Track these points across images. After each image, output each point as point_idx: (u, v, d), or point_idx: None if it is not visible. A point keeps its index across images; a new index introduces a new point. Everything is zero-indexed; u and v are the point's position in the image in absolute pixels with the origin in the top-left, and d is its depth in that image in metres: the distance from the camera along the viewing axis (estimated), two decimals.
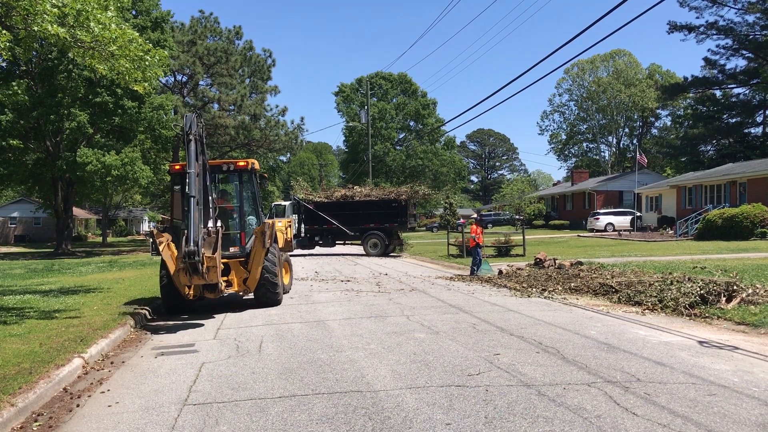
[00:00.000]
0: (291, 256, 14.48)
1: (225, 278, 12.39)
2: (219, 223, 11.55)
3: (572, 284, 14.71)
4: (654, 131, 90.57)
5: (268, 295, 12.85)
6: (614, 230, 46.41)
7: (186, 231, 10.50)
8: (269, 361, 7.82)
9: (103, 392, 6.71)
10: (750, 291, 11.28)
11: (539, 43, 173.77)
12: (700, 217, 36.79)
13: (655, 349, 7.77)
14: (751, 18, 54.74)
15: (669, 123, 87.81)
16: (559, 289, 14.47)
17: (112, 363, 8.17)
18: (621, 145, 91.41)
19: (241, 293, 13.45)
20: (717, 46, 65.19)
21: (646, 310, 11.21)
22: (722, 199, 39.36)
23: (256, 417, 5.60)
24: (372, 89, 71.93)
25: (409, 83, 79.71)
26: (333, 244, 32.15)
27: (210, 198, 11.71)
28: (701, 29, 55.35)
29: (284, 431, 5.21)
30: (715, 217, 33.73)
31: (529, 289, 14.63)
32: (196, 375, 7.31)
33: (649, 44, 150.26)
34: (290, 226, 16.54)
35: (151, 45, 11.12)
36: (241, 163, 13.38)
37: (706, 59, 58.61)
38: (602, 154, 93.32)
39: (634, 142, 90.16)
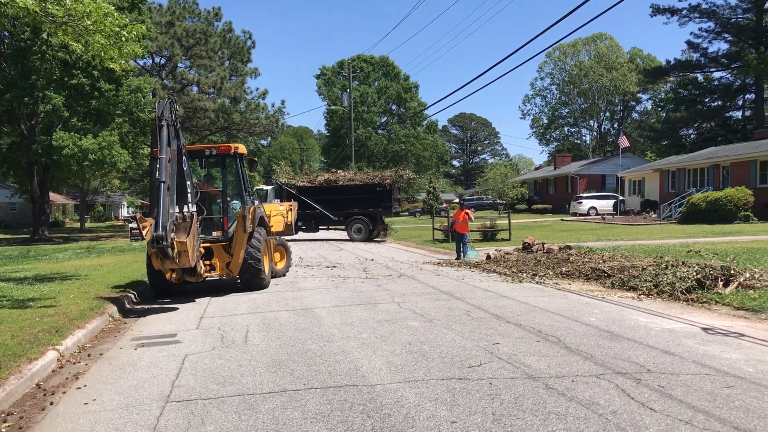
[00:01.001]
0: None
1: (208, 262, 12.57)
2: (194, 207, 11.49)
3: (563, 269, 14.43)
4: (635, 115, 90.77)
5: (252, 279, 12.88)
6: (597, 214, 46.37)
7: (155, 216, 10.52)
8: (256, 353, 7.41)
9: (79, 388, 6.27)
10: (747, 275, 11.04)
11: (522, 27, 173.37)
12: (684, 200, 36.79)
13: (660, 337, 7.46)
14: (733, 1, 54.76)
15: (650, 107, 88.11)
16: (550, 273, 14.18)
17: (89, 355, 7.72)
18: (602, 129, 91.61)
19: (224, 277, 13.38)
20: (699, 29, 64.99)
21: (642, 296, 10.94)
22: (705, 183, 39.40)
23: (246, 415, 5.20)
24: (354, 72, 71.10)
25: (391, 66, 79.03)
26: (316, 229, 31.69)
27: (189, 182, 11.62)
28: (684, 12, 55.29)
29: (277, 431, 4.82)
30: (699, 201, 33.73)
31: (520, 274, 14.33)
32: (179, 368, 6.88)
33: (631, 28, 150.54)
34: (291, 209, 16.48)
35: (127, 20, 10.55)
36: (224, 148, 13.31)
37: (688, 42, 58.64)
38: (583, 138, 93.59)
39: (615, 126, 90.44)
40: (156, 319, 10.32)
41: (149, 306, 11.70)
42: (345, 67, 74.98)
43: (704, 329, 7.95)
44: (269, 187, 36.92)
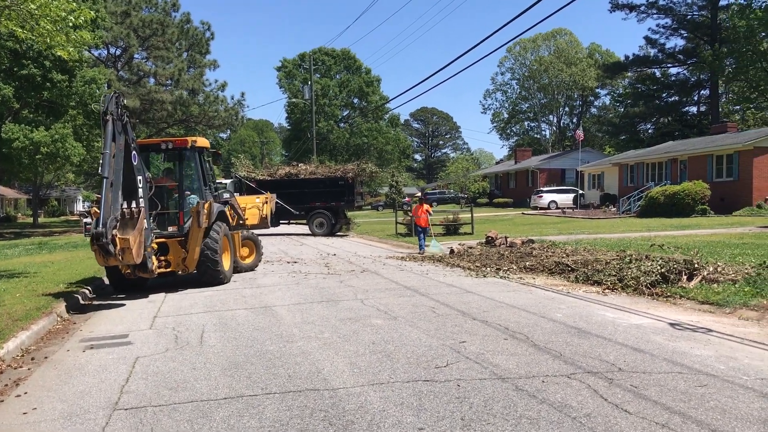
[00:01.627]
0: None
1: (164, 258, 12.51)
2: (142, 203, 11.27)
3: (527, 263, 14.32)
4: (593, 110, 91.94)
5: (209, 273, 12.73)
6: (557, 208, 46.75)
7: (97, 212, 10.41)
8: (212, 355, 7.04)
9: (19, 396, 5.83)
10: (711, 269, 11.02)
11: (485, 21, 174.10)
12: (643, 194, 37.23)
13: (628, 333, 7.32)
14: None
15: (608, 102, 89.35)
16: (514, 268, 14.04)
17: (33, 359, 7.25)
18: (561, 124, 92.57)
19: (180, 273, 13.11)
20: (657, 25, 66.33)
21: (607, 290, 10.85)
22: (663, 177, 39.95)
23: (198, 423, 4.85)
24: (315, 65, 70.40)
25: (352, 59, 78.52)
26: (277, 224, 31.12)
27: (140, 177, 11.50)
28: (642, 8, 56.07)
29: None
30: (658, 195, 34.15)
31: (484, 269, 14.16)
32: (130, 372, 6.49)
33: (590, 24, 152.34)
34: (268, 201, 16.43)
35: (75, 4, 10.02)
36: (180, 141, 13.19)
37: (646, 38, 59.63)
38: (543, 132, 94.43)
39: (575, 120, 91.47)
40: (107, 318, 9.86)
41: (101, 303, 11.21)
42: (306, 59, 74.23)
43: (672, 324, 7.84)
44: (228, 181, 36.23)
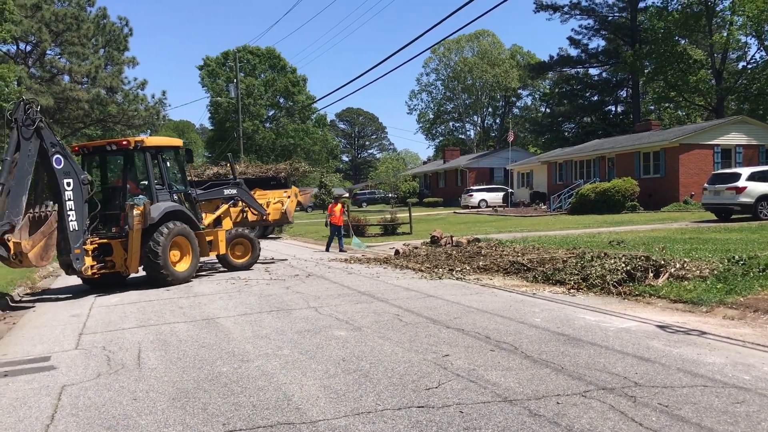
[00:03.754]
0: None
1: (109, 258, 12.63)
2: (70, 205, 11.75)
3: (480, 263, 13.68)
4: (515, 110, 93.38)
5: (152, 274, 12.77)
6: (488, 206, 46.81)
7: None
8: (154, 380, 5.98)
9: None
10: (678, 265, 10.61)
11: (411, 22, 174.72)
12: (573, 191, 37.57)
13: (621, 339, 6.68)
14: (611, 0, 57.00)
15: (530, 102, 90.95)
16: (467, 268, 13.37)
17: None
18: (485, 124, 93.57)
19: (123, 273, 13.05)
20: (580, 26, 67.58)
21: (572, 290, 10.29)
22: (592, 174, 40.48)
23: None
24: (240, 63, 68.41)
25: (277, 59, 76.79)
26: None
27: (68, 180, 11.78)
28: (566, 9, 57.03)
29: None
30: (589, 192, 34.46)
31: (436, 270, 13.44)
32: (55, 406, 5.36)
33: (511, 26, 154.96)
34: (291, 197, 16.94)
35: None
36: (123, 142, 13.23)
37: (570, 38, 60.68)
38: (468, 133, 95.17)
39: (498, 121, 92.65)
40: (24, 336, 8.57)
41: (13, 315, 9.84)
42: (230, 57, 72.10)
43: (660, 327, 7.27)
44: None
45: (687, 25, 48.78)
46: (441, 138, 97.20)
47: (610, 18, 57.58)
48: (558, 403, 4.71)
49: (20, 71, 39.25)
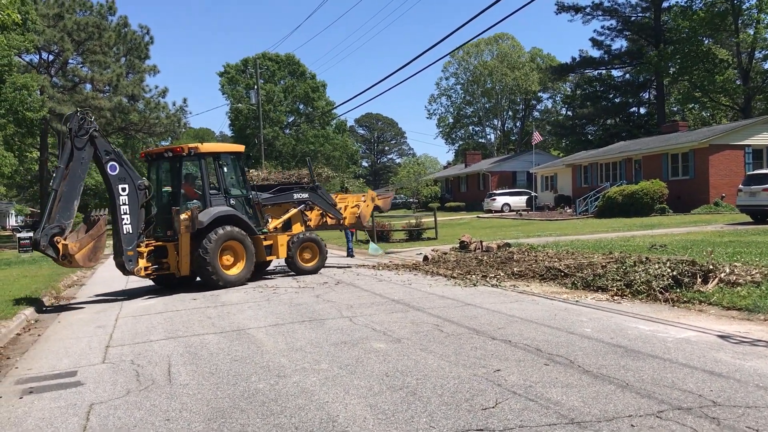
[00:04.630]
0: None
1: (165, 260, 13.08)
2: (125, 209, 12.43)
3: (514, 269, 13.23)
4: (536, 114, 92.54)
5: (202, 275, 13.16)
6: (511, 210, 46.22)
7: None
8: (187, 398, 5.61)
9: None
10: (727, 270, 10.10)
11: (431, 26, 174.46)
12: (600, 194, 36.91)
13: (683, 351, 6.22)
14: (633, 0, 56.21)
15: (550, 105, 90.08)
16: (501, 275, 12.93)
17: None
18: (505, 128, 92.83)
19: (176, 274, 13.39)
20: (602, 27, 66.72)
21: (616, 297, 9.82)
22: (618, 177, 39.76)
23: None
24: (259, 69, 68.44)
25: (297, 65, 76.68)
26: None
27: (123, 186, 12.44)
28: (588, 10, 56.30)
29: None
30: (616, 194, 33.82)
31: (469, 276, 13.01)
32: (84, 428, 5.02)
33: (532, 27, 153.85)
34: (367, 201, 17.00)
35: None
36: (177, 149, 13.61)
37: (592, 40, 59.84)
38: (488, 136, 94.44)
39: (518, 124, 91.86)
40: (49, 349, 8.27)
41: (38, 326, 9.55)
42: (250, 64, 72.12)
43: (721, 337, 6.79)
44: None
45: (712, 23, 47.83)
46: (461, 142, 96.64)
47: (633, 18, 56.76)
48: (633, 425, 4.27)
49: (43, 80, 39.48)
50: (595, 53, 61.40)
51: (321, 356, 6.80)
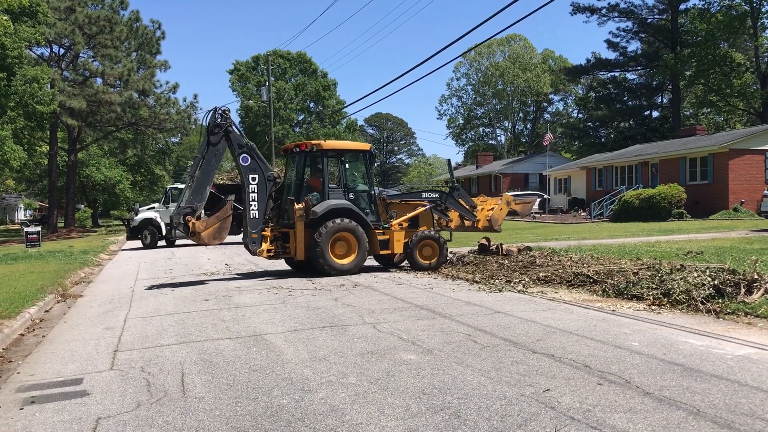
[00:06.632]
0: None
1: (288, 245, 14.39)
2: (253, 196, 13.96)
3: (540, 274, 12.65)
4: (546, 116, 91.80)
5: (314, 264, 14.09)
6: None
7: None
8: (203, 414, 5.08)
9: None
10: None
11: (442, 27, 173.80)
12: (615, 198, 36.27)
13: (749, 371, 5.65)
14: (650, 1, 55.48)
15: (561, 108, 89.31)
16: (527, 280, 12.35)
17: None
18: (516, 130, 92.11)
19: (294, 259, 14.51)
20: (618, 28, 65.87)
21: (653, 306, 9.24)
22: (634, 180, 39.10)
23: None
24: (270, 67, 68.01)
25: (308, 62, 76.15)
26: (238, 231, 28.93)
27: (253, 176, 13.98)
28: (603, 11, 55.58)
29: None
30: (632, 198, 33.23)
31: (492, 281, 12.46)
32: None
33: (544, 29, 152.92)
34: (503, 205, 16.95)
35: None
36: (303, 145, 14.91)
37: (607, 41, 59.10)
38: (498, 138, 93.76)
39: (528, 126, 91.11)
40: (53, 352, 7.73)
41: (42, 326, 9.04)
42: (260, 61, 71.74)
43: None
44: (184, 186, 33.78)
45: (731, 26, 47.12)
46: (471, 143, 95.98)
47: (649, 20, 56.01)
48: None
49: (54, 73, 39.12)
50: (610, 55, 60.78)
51: (347, 368, 6.25)
